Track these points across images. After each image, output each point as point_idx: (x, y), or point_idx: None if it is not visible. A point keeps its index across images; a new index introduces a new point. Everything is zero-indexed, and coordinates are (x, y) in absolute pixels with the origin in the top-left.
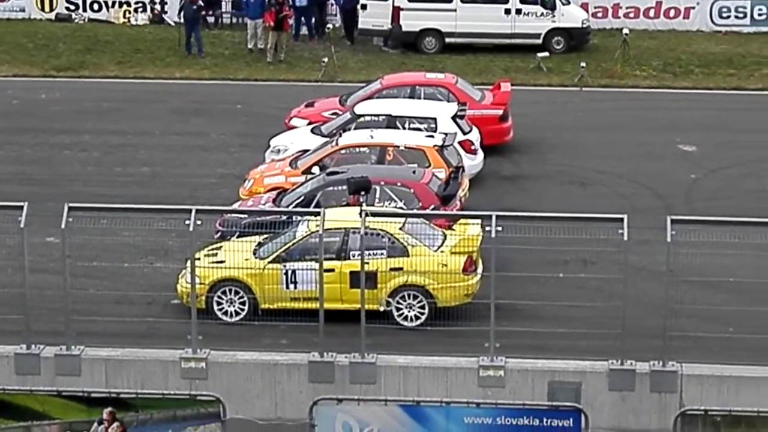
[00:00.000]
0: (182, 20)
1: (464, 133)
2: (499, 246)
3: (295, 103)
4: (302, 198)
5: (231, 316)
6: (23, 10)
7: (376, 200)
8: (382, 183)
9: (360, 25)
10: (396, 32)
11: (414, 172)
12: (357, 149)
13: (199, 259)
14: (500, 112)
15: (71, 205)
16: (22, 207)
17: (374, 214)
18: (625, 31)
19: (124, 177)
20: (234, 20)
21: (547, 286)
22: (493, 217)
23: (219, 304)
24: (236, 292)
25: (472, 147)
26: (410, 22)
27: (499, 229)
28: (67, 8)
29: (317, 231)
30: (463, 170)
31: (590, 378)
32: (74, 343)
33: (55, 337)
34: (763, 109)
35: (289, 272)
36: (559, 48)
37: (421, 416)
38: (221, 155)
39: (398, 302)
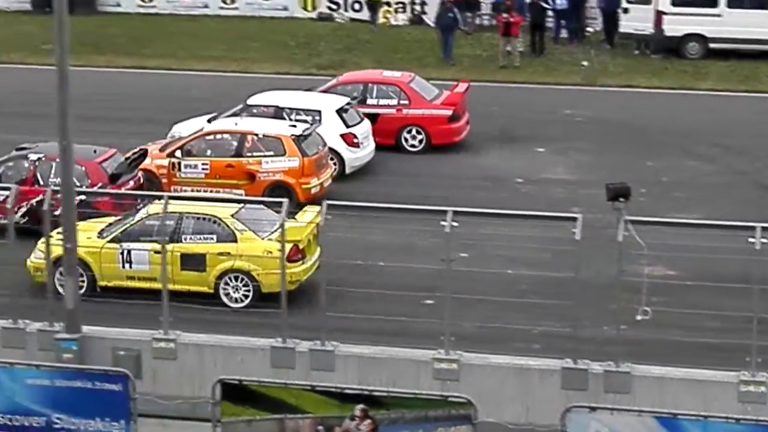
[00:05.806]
0: (437, 28)
1: (347, 126)
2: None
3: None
4: None
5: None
6: (286, 9)
7: (51, 175)
8: (57, 160)
9: (621, 29)
10: (658, 37)
11: (95, 151)
12: (220, 135)
13: (51, 236)
14: (449, 112)
15: None
16: None
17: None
18: None
19: None
20: (493, 22)
21: None
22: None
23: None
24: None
25: (355, 140)
26: (673, 27)
27: None
28: (329, 8)
29: (155, 214)
30: (146, 154)
31: None
32: (328, 338)
33: (309, 332)
34: None
35: (125, 252)
36: None
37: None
38: None
39: (224, 284)
